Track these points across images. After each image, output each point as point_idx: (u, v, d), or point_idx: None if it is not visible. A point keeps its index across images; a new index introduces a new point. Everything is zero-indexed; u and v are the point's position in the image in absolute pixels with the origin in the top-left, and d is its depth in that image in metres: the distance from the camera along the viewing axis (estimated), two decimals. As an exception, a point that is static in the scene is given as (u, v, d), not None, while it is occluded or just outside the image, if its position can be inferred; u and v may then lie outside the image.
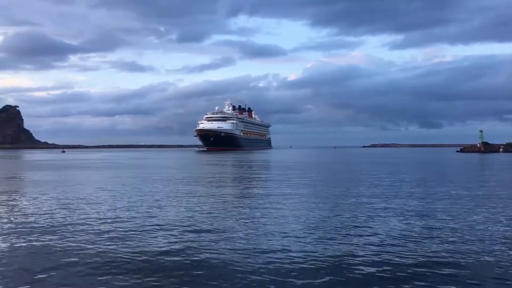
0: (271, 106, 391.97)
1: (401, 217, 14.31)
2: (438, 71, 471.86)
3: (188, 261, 9.29)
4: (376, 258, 9.43)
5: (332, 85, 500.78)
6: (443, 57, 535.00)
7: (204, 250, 10.12)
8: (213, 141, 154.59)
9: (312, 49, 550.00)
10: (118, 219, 14.08)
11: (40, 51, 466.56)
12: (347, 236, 11.55)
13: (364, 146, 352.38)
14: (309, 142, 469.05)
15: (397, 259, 9.39)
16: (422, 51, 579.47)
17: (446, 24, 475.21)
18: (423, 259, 9.34)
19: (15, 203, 18.19)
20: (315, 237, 11.47)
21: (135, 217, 14.45)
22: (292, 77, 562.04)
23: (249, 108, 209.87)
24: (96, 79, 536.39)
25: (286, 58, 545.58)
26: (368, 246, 10.49)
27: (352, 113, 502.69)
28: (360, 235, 11.63)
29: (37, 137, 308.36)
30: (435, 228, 12.49)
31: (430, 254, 9.72)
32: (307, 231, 12.14)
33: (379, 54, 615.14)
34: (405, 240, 11.07)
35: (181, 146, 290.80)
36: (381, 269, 8.71)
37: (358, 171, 40.59)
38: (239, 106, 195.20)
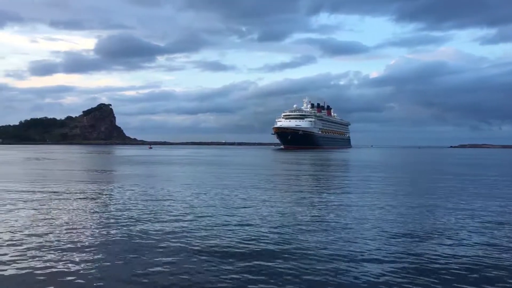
0: (351, 104, 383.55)
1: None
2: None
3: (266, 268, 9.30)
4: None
5: (417, 82, 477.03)
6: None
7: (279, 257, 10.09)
8: (291, 139, 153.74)
9: (396, 45, 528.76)
10: (200, 215, 14.49)
11: (130, 53, 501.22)
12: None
13: (451, 146, 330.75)
14: (391, 141, 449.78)
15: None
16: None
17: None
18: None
19: (108, 197, 19.61)
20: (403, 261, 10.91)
21: (216, 215, 14.78)
22: (374, 74, 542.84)
23: (328, 106, 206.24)
24: (180, 78, 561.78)
25: (368, 55, 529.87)
26: None
27: (439, 112, 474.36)
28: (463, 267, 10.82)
29: (127, 133, 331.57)
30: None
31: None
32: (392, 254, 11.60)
33: (469, 50, 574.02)
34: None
35: (261, 143, 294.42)
36: None
37: (451, 174, 38.10)
38: (318, 104, 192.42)
